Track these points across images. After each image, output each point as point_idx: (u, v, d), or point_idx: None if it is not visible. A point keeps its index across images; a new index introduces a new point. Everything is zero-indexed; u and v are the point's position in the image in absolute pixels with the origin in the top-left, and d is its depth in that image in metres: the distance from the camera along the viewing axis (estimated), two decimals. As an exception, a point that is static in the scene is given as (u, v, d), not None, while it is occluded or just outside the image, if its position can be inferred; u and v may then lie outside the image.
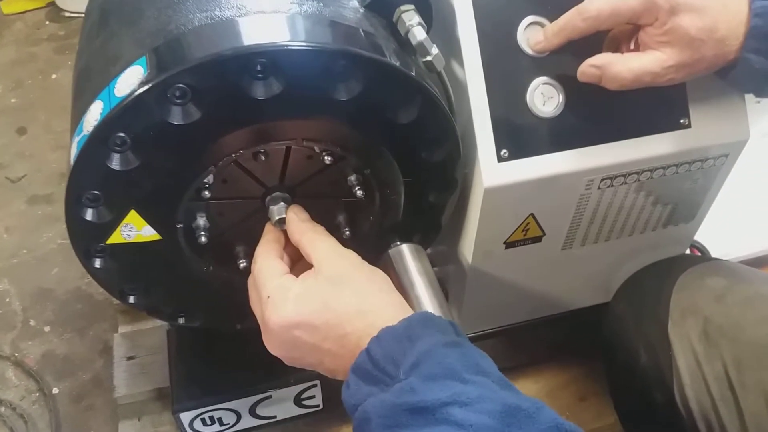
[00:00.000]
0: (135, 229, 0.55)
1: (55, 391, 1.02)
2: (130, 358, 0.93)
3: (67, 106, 1.41)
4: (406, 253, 0.65)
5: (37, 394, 1.02)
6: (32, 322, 1.11)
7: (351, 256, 0.55)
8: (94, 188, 0.52)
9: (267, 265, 0.55)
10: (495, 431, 0.40)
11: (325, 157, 0.59)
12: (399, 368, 0.46)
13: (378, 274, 0.55)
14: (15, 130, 1.44)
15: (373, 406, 0.45)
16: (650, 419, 0.73)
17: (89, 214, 0.53)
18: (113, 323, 1.08)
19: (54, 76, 1.58)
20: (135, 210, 0.54)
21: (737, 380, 0.63)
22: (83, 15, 0.68)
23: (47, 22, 1.72)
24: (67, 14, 1.74)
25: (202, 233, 0.58)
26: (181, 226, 0.57)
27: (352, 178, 0.62)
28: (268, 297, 0.52)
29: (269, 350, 0.54)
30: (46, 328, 1.10)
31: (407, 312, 0.51)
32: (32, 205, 1.29)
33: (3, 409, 1.00)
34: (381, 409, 0.44)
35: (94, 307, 1.13)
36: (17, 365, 1.05)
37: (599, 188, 0.68)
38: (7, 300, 1.14)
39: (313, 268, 0.54)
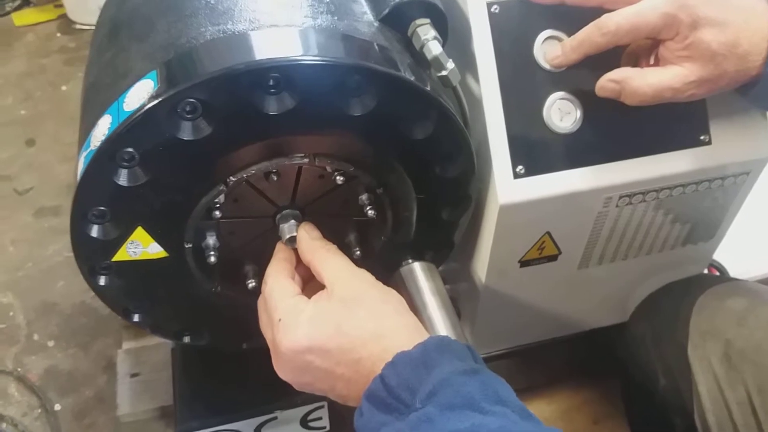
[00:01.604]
0: (141, 247, 0.54)
1: (58, 407, 1.01)
2: (133, 375, 0.92)
3: (77, 118, 1.40)
4: (419, 271, 0.64)
5: (39, 411, 1.00)
6: (36, 337, 1.10)
7: (365, 276, 0.53)
8: (100, 204, 0.51)
9: (278, 285, 0.54)
10: None
11: (337, 177, 0.57)
12: (415, 396, 0.44)
13: (392, 294, 0.53)
14: (24, 141, 1.44)
15: None
16: (669, 445, 0.71)
17: (95, 231, 0.52)
18: (118, 338, 1.06)
19: (64, 88, 1.57)
20: (142, 227, 0.52)
21: (761, 406, 0.62)
22: (94, 27, 0.67)
23: (58, 34, 1.73)
24: (78, 26, 1.74)
25: (212, 253, 0.56)
26: (190, 245, 0.55)
27: (364, 197, 0.60)
28: (280, 320, 0.51)
29: (279, 375, 0.52)
30: (50, 343, 1.09)
31: (423, 335, 0.50)
32: (39, 218, 1.28)
33: (4, 425, 0.98)
34: None
35: (99, 322, 1.11)
36: (20, 380, 1.04)
37: (617, 206, 0.67)
38: (11, 314, 1.13)
39: (325, 289, 0.52)
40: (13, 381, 1.03)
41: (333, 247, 0.57)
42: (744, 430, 0.62)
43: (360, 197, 0.60)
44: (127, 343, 0.97)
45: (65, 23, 1.76)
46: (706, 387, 0.66)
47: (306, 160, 0.55)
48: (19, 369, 1.05)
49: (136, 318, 0.60)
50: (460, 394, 0.43)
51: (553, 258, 0.70)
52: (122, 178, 0.49)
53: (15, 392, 1.02)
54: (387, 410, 0.45)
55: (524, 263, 0.70)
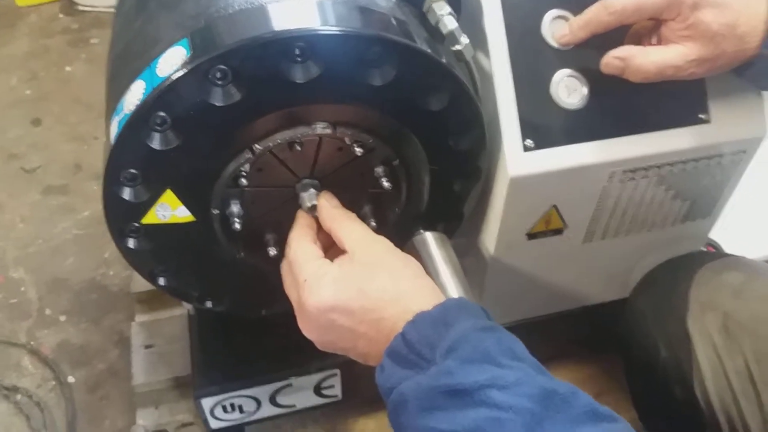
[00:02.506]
0: (170, 210, 0.56)
1: (71, 380, 1.03)
2: (147, 347, 0.94)
3: (82, 99, 1.42)
4: (431, 241, 0.66)
5: (53, 383, 1.03)
6: (48, 311, 1.12)
7: (385, 242, 0.56)
8: (133, 167, 0.53)
9: (303, 249, 0.56)
10: (533, 414, 0.41)
11: (356, 149, 0.60)
12: (435, 352, 0.46)
13: (411, 260, 0.55)
14: (30, 121, 1.46)
15: (409, 388, 0.45)
16: (670, 414, 0.74)
17: (126, 193, 0.54)
18: (128, 314, 1.09)
19: (68, 68, 1.59)
20: (171, 190, 0.55)
21: (758, 374, 0.64)
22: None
23: (61, 15, 1.74)
24: (80, 8, 1.74)
25: (236, 220, 0.59)
26: (218, 212, 0.58)
27: (380, 169, 0.62)
28: (305, 280, 0.53)
29: (304, 333, 0.55)
30: (62, 318, 1.11)
31: (440, 298, 0.52)
32: (47, 196, 1.30)
33: (19, 396, 1.00)
34: (418, 392, 0.45)
35: (109, 298, 1.14)
36: (33, 353, 1.06)
37: (621, 181, 0.69)
38: (23, 289, 1.15)
39: (347, 254, 0.55)
40: (27, 354, 1.06)
41: (352, 215, 0.59)
42: (742, 398, 0.65)
43: (376, 169, 0.63)
44: (140, 316, 0.99)
45: (68, 4, 1.77)
46: (706, 357, 0.69)
47: (328, 131, 0.57)
48: (32, 342, 1.07)
49: (161, 281, 0.62)
50: (478, 349, 0.45)
51: (558, 231, 0.73)
52: (155, 142, 0.51)
53: (29, 365, 1.05)
54: (408, 365, 0.47)
55: (531, 236, 0.72)
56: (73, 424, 0.97)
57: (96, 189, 1.31)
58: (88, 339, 1.08)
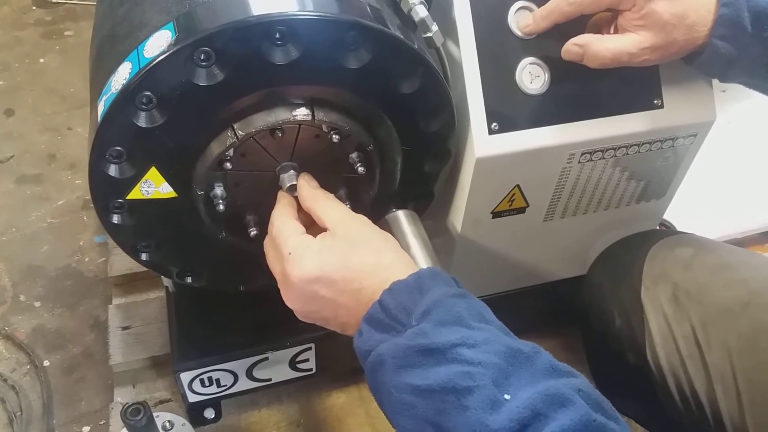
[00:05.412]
0: (153, 186, 0.59)
1: (46, 363, 1.04)
2: (125, 328, 0.96)
3: (56, 90, 1.42)
4: (402, 218, 0.70)
5: (28, 367, 1.03)
6: (22, 297, 1.12)
7: (363, 219, 0.59)
8: (118, 144, 0.55)
9: (286, 225, 0.59)
10: (500, 368, 0.45)
11: (333, 136, 0.63)
12: (411, 316, 0.50)
13: (388, 235, 0.59)
14: (2, 111, 1.45)
15: (387, 349, 0.49)
16: (624, 379, 0.79)
17: (112, 170, 0.57)
18: (103, 299, 1.10)
19: (42, 60, 1.58)
20: (156, 167, 0.57)
21: (703, 339, 0.69)
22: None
23: (34, 8, 1.72)
24: (53, 0, 1.74)
25: (220, 201, 0.61)
26: (202, 193, 0.61)
27: (354, 155, 0.66)
28: (290, 254, 0.56)
29: (287, 304, 0.57)
30: (36, 304, 1.12)
31: (415, 268, 0.55)
32: (20, 185, 1.30)
33: (-6, 380, 1.01)
34: (395, 352, 0.48)
35: (84, 284, 1.15)
36: (7, 338, 1.06)
37: (579, 162, 0.74)
38: (-4, 275, 1.15)
39: (328, 230, 0.57)
40: (1, 339, 1.06)
41: (331, 195, 0.62)
42: (689, 360, 0.70)
43: (351, 156, 0.66)
44: (117, 299, 1.01)
45: (40, -4, 1.77)
46: (657, 324, 0.74)
47: (308, 117, 0.59)
48: (6, 328, 1.07)
49: (143, 257, 0.65)
50: (450, 313, 0.49)
51: (521, 210, 0.77)
52: (141, 120, 0.54)
53: (3, 349, 1.05)
54: (385, 330, 0.51)
55: (496, 214, 0.77)
56: (49, 406, 0.98)
57: (71, 178, 1.31)
58: (64, 324, 1.09)
